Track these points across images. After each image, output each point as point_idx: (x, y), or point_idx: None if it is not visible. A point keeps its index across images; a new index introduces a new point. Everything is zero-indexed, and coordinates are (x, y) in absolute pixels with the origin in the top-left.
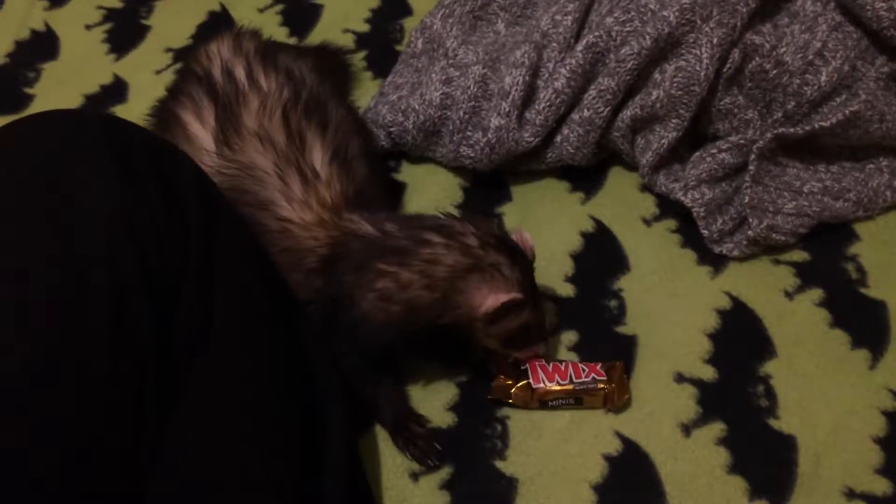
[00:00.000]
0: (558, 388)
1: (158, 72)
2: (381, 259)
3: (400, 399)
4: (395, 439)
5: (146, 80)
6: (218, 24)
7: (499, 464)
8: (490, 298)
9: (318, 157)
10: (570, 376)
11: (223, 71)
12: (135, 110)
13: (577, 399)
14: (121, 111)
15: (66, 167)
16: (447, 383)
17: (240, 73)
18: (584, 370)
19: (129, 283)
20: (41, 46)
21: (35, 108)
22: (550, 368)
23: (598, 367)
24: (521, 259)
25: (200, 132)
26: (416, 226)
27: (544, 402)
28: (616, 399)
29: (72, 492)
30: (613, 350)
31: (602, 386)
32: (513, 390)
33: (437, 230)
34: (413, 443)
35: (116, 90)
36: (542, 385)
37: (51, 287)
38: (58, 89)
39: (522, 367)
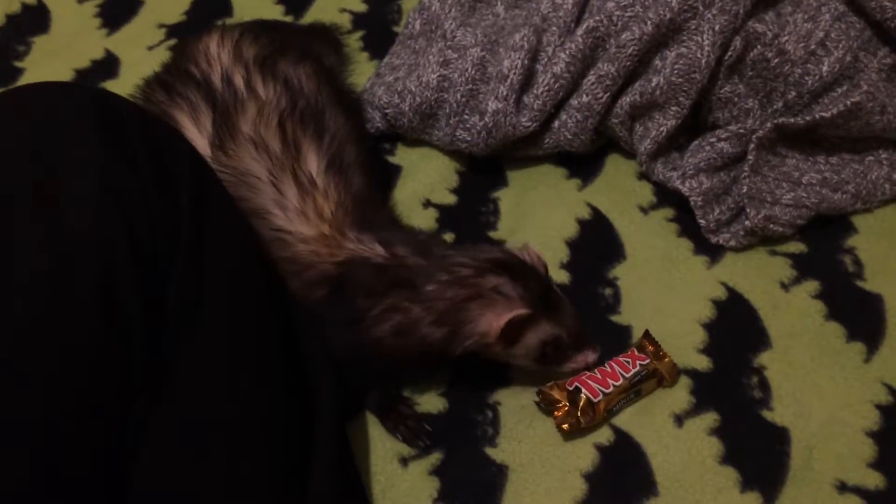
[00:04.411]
0: (616, 390)
1: (151, 48)
2: (392, 290)
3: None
4: (383, 422)
5: (138, 55)
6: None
7: (489, 450)
8: (494, 321)
9: (314, 166)
10: (620, 373)
11: (223, 78)
12: (126, 86)
13: (636, 393)
14: (112, 87)
15: (52, 139)
16: (439, 369)
17: (239, 81)
18: (627, 362)
19: (117, 258)
20: (32, 20)
21: (25, 81)
22: (598, 375)
23: (634, 352)
24: (526, 274)
25: (196, 136)
26: (420, 255)
27: (609, 409)
28: (668, 376)
29: (56, 471)
30: (607, 339)
31: (653, 367)
32: (579, 415)
33: (437, 263)
34: (403, 423)
35: (108, 65)
36: (600, 395)
37: (35, 262)
38: (48, 63)
39: (570, 388)
